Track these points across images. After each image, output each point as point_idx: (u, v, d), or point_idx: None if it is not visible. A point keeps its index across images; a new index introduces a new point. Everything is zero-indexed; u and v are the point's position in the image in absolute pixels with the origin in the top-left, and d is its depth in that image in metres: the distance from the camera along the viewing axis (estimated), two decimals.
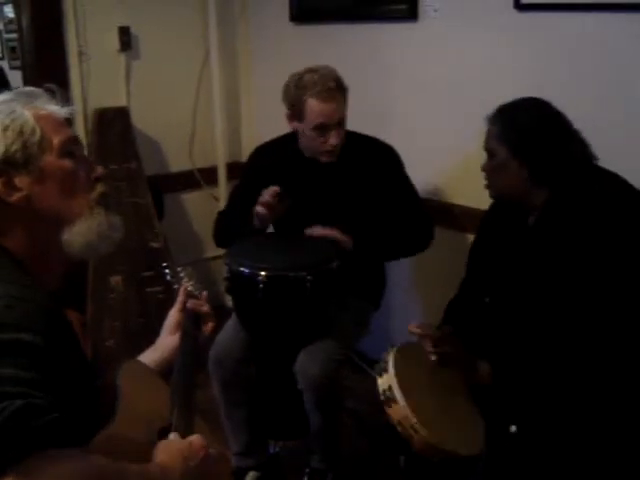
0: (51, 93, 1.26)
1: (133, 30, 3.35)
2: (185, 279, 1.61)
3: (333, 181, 2.39)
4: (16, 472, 0.89)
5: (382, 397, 1.68)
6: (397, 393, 1.64)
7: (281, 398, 2.46)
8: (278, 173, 2.43)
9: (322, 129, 2.28)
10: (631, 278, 1.68)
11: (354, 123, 2.39)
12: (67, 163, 1.22)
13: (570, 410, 1.72)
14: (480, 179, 1.94)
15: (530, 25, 2.39)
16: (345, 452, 2.46)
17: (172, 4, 3.45)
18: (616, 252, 1.68)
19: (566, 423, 1.72)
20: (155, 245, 3.22)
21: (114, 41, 3.31)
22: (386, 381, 1.69)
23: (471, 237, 2.17)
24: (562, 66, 2.33)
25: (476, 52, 2.59)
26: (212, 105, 3.66)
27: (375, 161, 2.41)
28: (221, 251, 2.68)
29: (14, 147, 1.17)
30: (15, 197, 1.17)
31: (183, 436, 1.18)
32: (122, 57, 3.35)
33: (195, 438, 1.16)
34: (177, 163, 3.64)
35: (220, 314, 1.62)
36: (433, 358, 1.82)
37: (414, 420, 1.61)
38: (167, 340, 1.48)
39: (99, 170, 1.29)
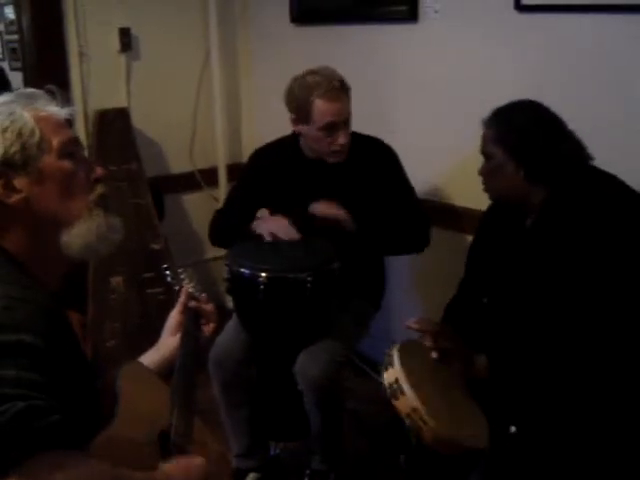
0: (51, 94, 1.26)
1: (133, 31, 3.35)
2: (186, 280, 1.62)
3: (333, 181, 2.39)
4: (18, 474, 0.89)
5: (389, 390, 1.68)
6: (405, 385, 1.64)
7: (282, 399, 2.47)
8: (278, 175, 2.44)
9: (330, 129, 2.28)
10: (627, 279, 1.68)
11: (354, 124, 2.38)
12: (66, 164, 1.22)
13: (569, 410, 1.72)
14: (480, 180, 1.94)
15: (530, 26, 2.39)
16: (346, 453, 2.46)
17: (172, 5, 3.46)
18: (613, 253, 1.68)
19: (565, 423, 1.73)
20: (156, 246, 3.23)
21: (114, 42, 3.31)
22: (392, 374, 1.69)
23: (471, 238, 2.17)
24: (562, 67, 2.33)
25: (476, 53, 2.59)
26: (212, 106, 3.66)
27: (374, 161, 2.41)
28: (222, 252, 2.68)
29: (13, 149, 1.17)
30: (14, 198, 1.17)
31: (183, 436, 1.18)
32: (122, 58, 3.36)
33: (198, 459, 1.17)
34: (177, 164, 3.64)
35: (221, 315, 1.62)
36: (434, 355, 1.82)
37: (423, 411, 1.61)
38: (168, 341, 1.48)
39: (99, 171, 1.29)
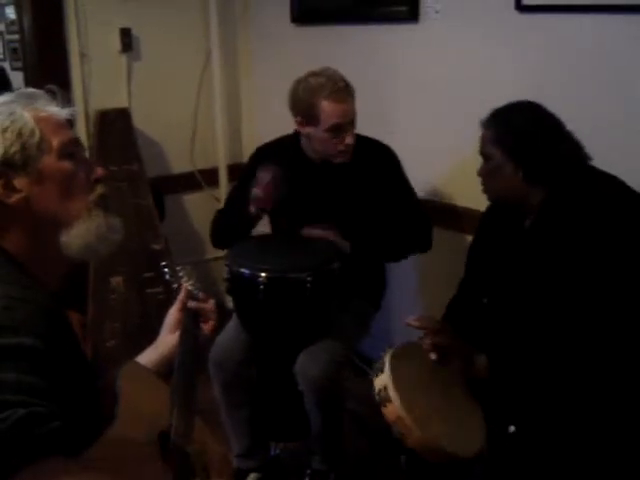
0: (52, 94, 1.26)
1: (134, 31, 3.35)
2: (184, 278, 1.61)
3: (335, 182, 2.39)
4: None
5: (377, 397, 1.68)
6: (392, 393, 1.64)
7: (282, 399, 2.46)
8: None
9: (337, 130, 2.28)
10: (626, 278, 1.68)
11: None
12: (66, 165, 1.22)
13: (568, 410, 1.72)
14: (480, 180, 1.94)
15: (531, 26, 2.39)
16: (346, 453, 2.46)
17: (173, 5, 3.46)
18: (612, 253, 1.68)
19: (564, 423, 1.72)
20: (156, 246, 3.23)
21: (115, 42, 3.31)
22: (381, 381, 1.70)
23: (471, 238, 2.17)
24: (562, 67, 2.33)
25: (477, 53, 2.59)
26: (213, 106, 3.66)
27: (375, 163, 2.41)
28: (222, 252, 2.68)
29: (13, 149, 1.17)
30: (14, 199, 1.17)
31: (183, 436, 1.17)
32: (123, 58, 3.36)
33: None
34: (178, 164, 3.64)
35: (221, 315, 1.62)
36: (433, 357, 1.82)
37: (408, 420, 1.61)
38: (167, 339, 1.48)
39: (99, 171, 1.29)
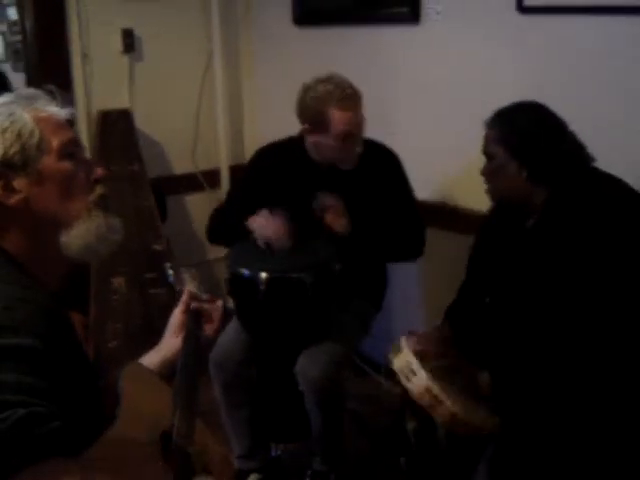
0: (51, 95, 1.26)
1: (136, 32, 3.35)
2: (188, 280, 1.61)
3: (337, 186, 2.37)
4: None
5: (400, 374, 1.69)
6: (416, 366, 1.66)
7: (282, 400, 2.47)
8: (281, 176, 2.43)
9: (346, 137, 2.27)
10: (629, 279, 1.68)
11: None
12: (66, 165, 1.22)
13: (570, 411, 1.72)
14: (482, 182, 1.94)
15: (532, 28, 2.39)
16: (347, 454, 2.46)
17: (175, 6, 3.46)
18: (615, 254, 1.69)
19: (566, 425, 1.72)
20: (158, 247, 3.23)
21: (117, 43, 3.31)
22: (402, 358, 1.71)
23: (472, 239, 2.17)
24: (563, 68, 2.33)
25: (478, 54, 2.59)
26: (215, 107, 3.66)
27: (379, 167, 2.40)
28: (223, 253, 2.68)
29: (12, 150, 1.17)
30: (14, 199, 1.17)
31: (185, 437, 1.18)
32: (125, 59, 3.36)
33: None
34: (180, 165, 3.64)
35: (222, 316, 1.62)
36: (432, 365, 1.83)
37: (436, 389, 1.62)
38: (170, 342, 1.48)
39: (99, 172, 1.28)
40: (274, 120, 3.54)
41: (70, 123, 1.26)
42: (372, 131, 2.47)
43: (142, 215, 3.22)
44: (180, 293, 1.54)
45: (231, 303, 2.31)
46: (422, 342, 1.87)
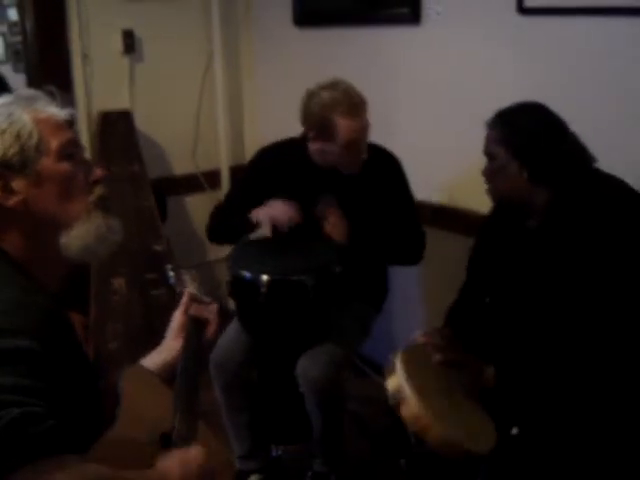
0: (51, 95, 1.26)
1: (137, 33, 3.36)
2: (188, 282, 1.61)
3: (340, 190, 2.37)
4: None
5: (392, 397, 1.68)
6: (408, 391, 1.64)
7: (283, 402, 2.47)
8: (282, 177, 2.42)
9: (352, 145, 2.26)
10: (633, 281, 1.68)
11: None
12: (65, 166, 1.22)
13: (572, 412, 1.72)
14: (482, 182, 1.94)
15: (532, 29, 2.39)
16: (347, 455, 2.46)
17: (176, 7, 3.46)
18: (618, 255, 1.69)
19: (568, 425, 1.73)
20: (158, 247, 3.23)
21: (118, 44, 3.31)
22: (395, 380, 1.69)
23: (472, 240, 2.17)
24: (563, 69, 2.33)
25: (478, 55, 2.59)
26: (215, 108, 3.67)
27: (380, 171, 2.39)
28: (224, 253, 2.68)
29: (11, 151, 1.16)
30: (13, 201, 1.17)
31: (186, 439, 1.18)
32: (126, 60, 3.36)
33: (195, 449, 1.16)
34: (180, 166, 3.65)
35: (223, 317, 1.62)
36: (437, 357, 1.82)
37: (428, 416, 1.61)
38: (171, 344, 1.47)
39: (98, 173, 1.28)
40: (274, 121, 3.54)
41: (70, 124, 1.26)
42: (372, 132, 2.46)
43: (142, 216, 3.22)
44: (181, 294, 1.54)
45: (232, 305, 2.31)
46: (426, 335, 1.87)
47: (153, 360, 1.43)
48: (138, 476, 1.04)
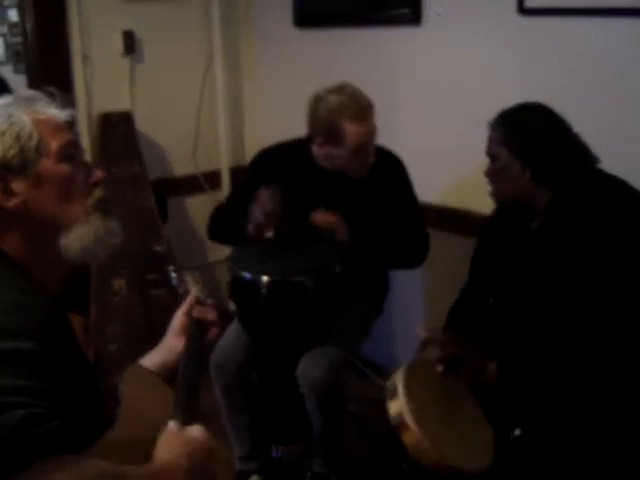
0: (51, 96, 1.26)
1: (137, 34, 3.35)
2: (191, 283, 1.61)
3: (344, 193, 2.36)
4: None
5: (393, 422, 1.68)
6: (408, 419, 1.64)
7: (283, 402, 2.46)
8: (284, 178, 2.41)
9: (360, 149, 2.26)
10: (635, 281, 1.68)
11: None
12: (65, 168, 1.21)
13: (575, 413, 1.72)
14: (485, 184, 1.94)
15: (533, 29, 2.39)
16: (347, 456, 2.45)
17: (176, 8, 3.46)
18: (620, 255, 1.69)
19: (570, 426, 1.72)
20: (158, 248, 3.23)
21: (118, 45, 3.31)
22: (397, 406, 1.69)
23: (474, 241, 2.16)
24: (563, 70, 2.33)
25: (479, 56, 2.59)
26: (216, 109, 3.66)
27: (384, 174, 2.38)
28: (224, 255, 2.68)
29: (11, 152, 1.16)
30: (12, 202, 1.17)
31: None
32: (126, 61, 3.36)
33: (195, 430, 1.13)
34: (181, 167, 3.64)
35: (223, 318, 1.62)
36: (440, 369, 1.82)
37: (426, 444, 1.61)
38: (171, 344, 1.47)
39: (98, 174, 1.28)
40: (275, 121, 3.54)
41: (70, 125, 1.26)
42: None
43: (143, 216, 3.22)
44: (183, 296, 1.54)
45: (232, 306, 2.31)
46: (428, 329, 1.87)
47: (152, 360, 1.42)
48: (139, 471, 1.04)
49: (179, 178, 3.64)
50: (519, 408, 1.77)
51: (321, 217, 2.30)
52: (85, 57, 3.24)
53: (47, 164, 1.19)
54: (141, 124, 3.37)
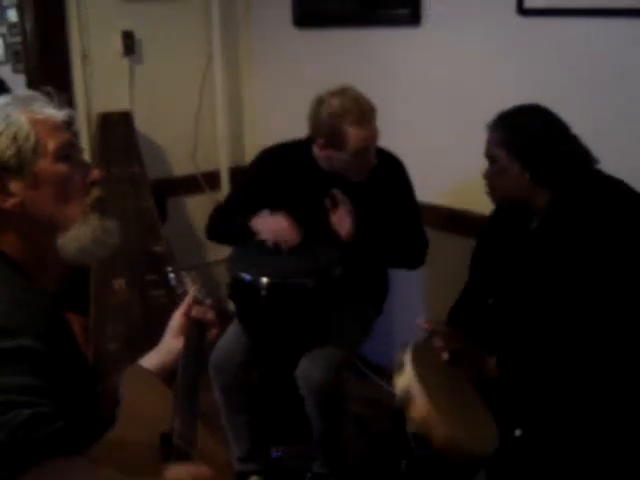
0: (49, 96, 1.26)
1: (136, 34, 3.36)
2: (190, 284, 1.61)
3: (343, 191, 2.35)
4: None
5: (401, 396, 1.67)
6: (417, 390, 1.64)
7: (283, 403, 2.46)
8: (285, 179, 2.40)
9: (363, 153, 2.25)
10: (634, 281, 1.68)
11: None
12: (62, 168, 1.21)
13: (575, 413, 1.72)
14: (482, 183, 1.94)
15: (532, 30, 2.40)
16: (347, 457, 2.45)
17: (175, 8, 3.46)
18: (619, 255, 1.69)
19: (570, 426, 1.72)
20: (158, 249, 3.22)
21: (117, 45, 3.31)
22: (405, 379, 1.69)
23: (473, 241, 2.16)
24: (563, 70, 2.33)
25: (478, 56, 2.59)
26: (215, 109, 3.67)
27: (387, 177, 2.37)
28: (224, 255, 2.67)
29: (8, 153, 1.16)
30: (9, 203, 1.17)
31: (185, 440, 1.17)
32: (125, 61, 3.36)
33: (204, 468, 1.14)
34: (180, 167, 3.64)
35: (223, 318, 1.62)
36: (445, 357, 1.81)
37: (436, 417, 1.61)
38: (170, 344, 1.47)
39: (95, 174, 1.28)
40: (274, 121, 3.54)
41: (68, 125, 1.25)
42: None
43: (142, 217, 3.21)
44: (182, 296, 1.54)
45: (231, 306, 2.30)
46: (430, 322, 1.87)
47: (150, 360, 1.42)
48: None
49: (178, 178, 3.64)
50: (519, 407, 1.77)
51: (339, 222, 2.30)
52: (84, 57, 3.24)
53: (44, 164, 1.19)
54: (140, 124, 3.37)
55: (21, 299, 1.08)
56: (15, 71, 4.76)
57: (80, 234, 1.23)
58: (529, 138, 1.80)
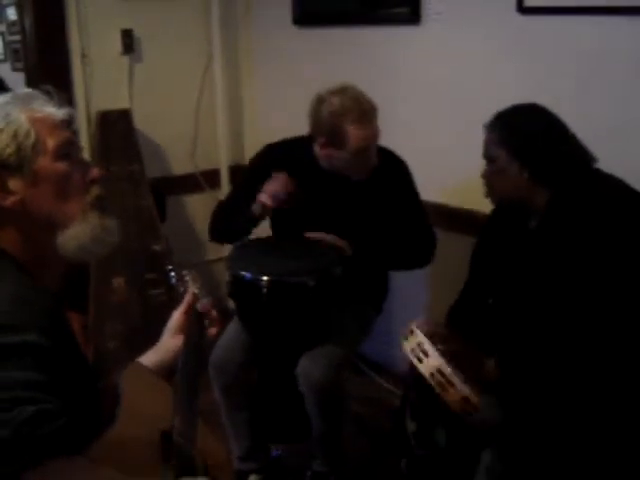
0: (49, 95, 1.26)
1: (136, 33, 3.35)
2: (190, 282, 1.60)
3: (346, 193, 2.35)
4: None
5: (411, 355, 1.69)
6: (428, 346, 1.66)
7: (283, 402, 2.46)
8: (288, 173, 2.39)
9: (362, 152, 2.25)
10: (633, 280, 1.68)
11: None
12: (61, 166, 1.21)
13: (575, 413, 1.72)
14: (482, 183, 1.94)
15: (533, 28, 2.39)
16: (347, 455, 2.45)
17: (175, 7, 3.46)
18: (618, 254, 1.69)
19: (571, 426, 1.72)
20: (157, 247, 3.23)
21: (117, 43, 3.31)
22: (414, 340, 1.71)
23: (473, 240, 2.16)
24: (563, 69, 2.33)
25: (479, 55, 2.59)
26: (215, 108, 3.66)
27: (388, 176, 2.37)
28: (224, 253, 2.68)
29: (8, 150, 1.16)
30: (9, 201, 1.17)
31: (185, 438, 1.17)
32: (125, 60, 3.36)
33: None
34: (179, 165, 3.64)
35: (223, 317, 1.61)
36: (439, 347, 1.82)
37: (449, 370, 1.61)
38: (168, 342, 1.47)
39: (95, 172, 1.28)
40: (274, 120, 3.54)
41: (67, 123, 1.26)
42: None
43: (142, 215, 3.22)
44: (182, 295, 1.54)
45: (232, 305, 2.30)
46: (431, 324, 1.87)
47: (149, 359, 1.42)
48: None
49: (178, 177, 3.64)
50: (520, 408, 1.77)
51: (316, 235, 2.29)
52: (84, 56, 3.23)
53: (44, 162, 1.19)
54: (140, 123, 3.37)
55: (25, 297, 1.09)
56: (14, 69, 4.76)
57: (80, 232, 1.24)
58: (528, 137, 1.80)
